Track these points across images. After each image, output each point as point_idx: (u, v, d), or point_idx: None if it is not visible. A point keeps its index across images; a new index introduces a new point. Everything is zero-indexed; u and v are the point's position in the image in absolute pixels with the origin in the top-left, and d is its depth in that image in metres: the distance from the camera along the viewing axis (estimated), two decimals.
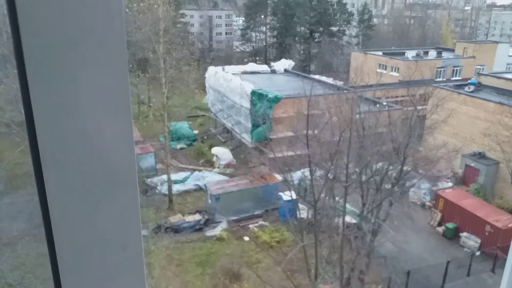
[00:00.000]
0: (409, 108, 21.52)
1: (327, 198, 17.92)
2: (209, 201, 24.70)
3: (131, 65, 33.00)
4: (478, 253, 21.28)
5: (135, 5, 24.30)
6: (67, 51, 0.65)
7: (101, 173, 0.74)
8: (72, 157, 0.71)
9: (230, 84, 34.66)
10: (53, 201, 0.72)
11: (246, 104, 31.79)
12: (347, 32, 78.24)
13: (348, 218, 21.36)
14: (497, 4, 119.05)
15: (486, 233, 21.89)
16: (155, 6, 22.96)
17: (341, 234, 14.83)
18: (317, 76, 43.93)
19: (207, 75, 40.83)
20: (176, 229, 22.64)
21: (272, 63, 47.56)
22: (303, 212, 21.92)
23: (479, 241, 22.10)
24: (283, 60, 46.38)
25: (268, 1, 76.95)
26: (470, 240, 22.43)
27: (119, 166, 0.75)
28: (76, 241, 0.77)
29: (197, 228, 23.49)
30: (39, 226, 18.16)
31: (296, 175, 20.14)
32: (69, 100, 0.68)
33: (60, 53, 0.65)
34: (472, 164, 28.46)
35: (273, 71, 43.11)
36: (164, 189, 26.74)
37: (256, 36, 78.83)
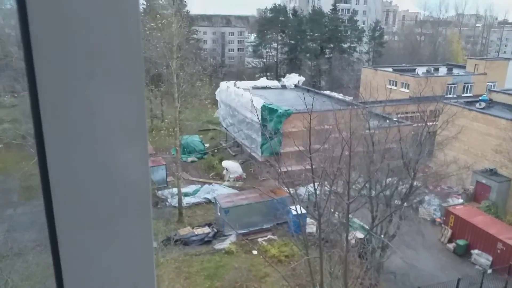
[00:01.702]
0: (419, 124, 21.59)
1: (336, 213, 17.96)
2: (219, 214, 24.85)
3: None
4: (489, 271, 20.94)
5: (153, 24, 25.03)
6: (82, 77, 0.63)
7: (113, 205, 0.71)
8: (85, 187, 0.68)
9: (241, 99, 35.13)
10: (62, 234, 0.69)
11: (257, 118, 32.16)
12: (357, 49, 78.80)
13: (357, 233, 21.35)
14: (509, 21, 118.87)
15: (498, 251, 21.57)
16: (173, 24, 23.66)
17: (345, 249, 14.81)
18: (327, 92, 44.26)
19: (217, 90, 41.49)
20: (185, 242, 22.79)
21: (282, 79, 48.07)
22: (313, 226, 21.96)
23: (491, 258, 21.77)
24: (293, 75, 46.82)
25: (280, 18, 78.13)
26: (481, 258, 22.10)
27: (133, 198, 0.71)
28: (84, 280, 0.72)
29: (206, 241, 23.61)
30: None
31: (305, 190, 20.24)
32: (83, 130, 0.65)
33: (73, 78, 0.63)
34: (484, 181, 28.19)
35: (284, 87, 43.59)
36: (174, 201, 27.01)
37: (267, 52, 79.89)
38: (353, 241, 19.19)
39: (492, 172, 28.13)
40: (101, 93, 0.65)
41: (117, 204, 0.71)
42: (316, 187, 15.91)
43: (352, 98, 34.61)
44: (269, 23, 77.85)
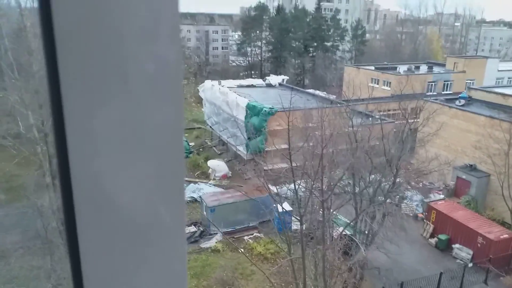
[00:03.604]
0: (401, 122, 21.98)
1: (320, 210, 18.16)
2: (204, 213, 24.82)
3: None
4: (470, 264, 21.48)
5: None
6: (115, 82, 0.57)
7: (144, 225, 0.64)
8: (114, 206, 0.62)
9: (226, 98, 35.12)
10: (86, 255, 0.62)
11: (242, 117, 32.20)
12: (340, 47, 79.54)
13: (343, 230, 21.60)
14: (487, 20, 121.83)
15: (478, 245, 22.12)
16: None
17: (327, 246, 15.05)
18: (311, 90, 44.60)
19: (201, 88, 41.34)
20: None
21: (266, 77, 48.24)
22: (298, 223, 22.14)
23: (471, 252, 22.31)
24: (274, 76, 47.11)
25: (264, 17, 78.23)
26: (462, 252, 22.65)
27: (167, 216, 0.65)
28: None
29: (193, 240, 23.56)
30: (33, 238, 18.11)
31: (290, 187, 20.39)
32: (116, 142, 0.59)
33: (105, 83, 0.57)
34: (464, 176, 28.87)
35: (268, 85, 43.74)
36: None
37: (251, 50, 79.92)
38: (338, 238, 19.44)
39: (471, 168, 28.81)
40: (137, 101, 0.58)
41: (148, 225, 0.64)
42: (297, 185, 16.09)
43: (335, 96, 34.99)
44: (253, 21, 77.90)
